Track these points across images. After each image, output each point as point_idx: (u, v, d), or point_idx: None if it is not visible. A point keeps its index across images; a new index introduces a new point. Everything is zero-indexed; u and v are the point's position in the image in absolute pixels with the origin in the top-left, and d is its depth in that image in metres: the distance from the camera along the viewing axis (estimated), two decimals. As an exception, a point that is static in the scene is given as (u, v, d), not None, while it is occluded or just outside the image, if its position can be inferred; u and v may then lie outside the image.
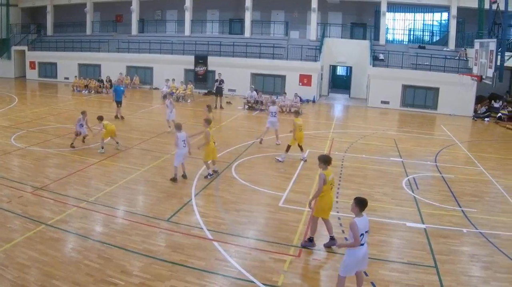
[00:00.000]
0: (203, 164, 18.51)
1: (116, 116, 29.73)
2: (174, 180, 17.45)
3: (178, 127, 17.78)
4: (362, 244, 9.65)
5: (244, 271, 11.15)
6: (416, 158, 23.35)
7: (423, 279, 11.22)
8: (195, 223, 14.01)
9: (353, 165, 21.57)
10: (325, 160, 12.45)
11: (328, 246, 12.68)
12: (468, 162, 23.54)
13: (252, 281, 10.75)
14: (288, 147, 21.54)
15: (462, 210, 16.25)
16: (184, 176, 17.77)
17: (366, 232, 9.75)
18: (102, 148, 21.59)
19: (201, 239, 12.96)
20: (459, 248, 13.24)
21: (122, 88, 31.51)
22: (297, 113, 22.52)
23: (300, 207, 15.70)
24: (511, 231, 14.56)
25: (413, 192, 17.97)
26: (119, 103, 30.16)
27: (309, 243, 12.77)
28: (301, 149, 21.77)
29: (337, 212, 15.23)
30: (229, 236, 13.25)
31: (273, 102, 25.63)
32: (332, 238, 12.73)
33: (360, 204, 9.83)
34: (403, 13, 51.93)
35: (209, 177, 18.16)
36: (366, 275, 11.10)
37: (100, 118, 22.27)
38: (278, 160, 21.39)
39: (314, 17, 47.78)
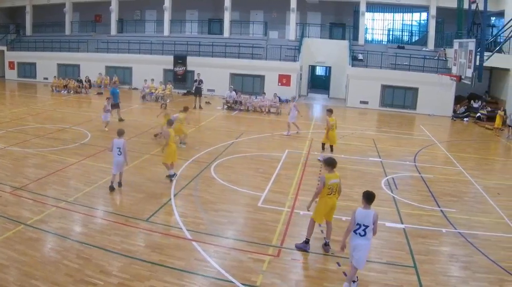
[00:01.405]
0: (163, 165, 18.23)
1: (120, 119, 29.59)
2: (111, 188, 16.60)
3: (119, 133, 16.80)
4: (357, 234, 10.18)
5: (223, 271, 11.19)
6: (395, 158, 23.46)
7: (402, 279, 11.27)
8: (174, 223, 14.07)
9: (332, 165, 21.53)
10: (328, 163, 12.51)
11: (325, 251, 12.70)
12: (447, 162, 23.72)
13: (231, 281, 10.78)
14: (323, 145, 22.59)
15: (441, 210, 16.37)
16: (119, 184, 16.96)
17: (364, 225, 10.10)
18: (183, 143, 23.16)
19: (180, 239, 13.00)
20: (438, 248, 13.32)
21: (118, 90, 31.26)
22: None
23: (279, 207, 15.75)
24: (490, 231, 14.69)
25: (392, 192, 18.05)
26: (116, 105, 29.94)
27: (303, 245, 12.71)
28: (331, 150, 22.33)
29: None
30: (208, 236, 13.27)
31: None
32: (326, 244, 12.77)
33: (365, 197, 10.42)
34: (382, 13, 52.31)
35: (172, 178, 17.91)
36: (345, 274, 11.15)
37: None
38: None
39: (293, 17, 48.08)
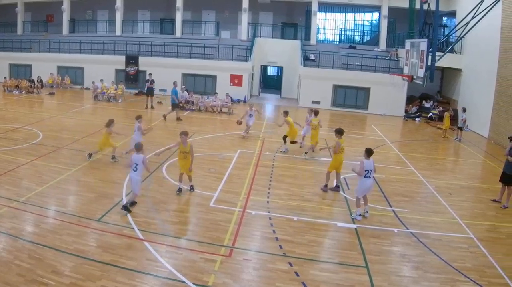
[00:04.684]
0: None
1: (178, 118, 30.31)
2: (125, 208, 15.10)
3: (138, 148, 15.14)
4: (369, 177, 15.31)
5: (174, 271, 11.25)
6: (347, 158, 23.40)
7: (354, 279, 11.33)
8: (126, 223, 14.02)
9: (284, 165, 21.71)
10: (340, 131, 18.36)
11: (332, 190, 18.19)
12: (399, 162, 24.04)
13: (183, 281, 10.82)
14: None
15: (393, 210, 16.56)
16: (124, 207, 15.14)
17: (371, 170, 15.24)
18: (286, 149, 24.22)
19: (132, 239, 12.98)
20: (389, 248, 13.47)
21: (177, 90, 33.10)
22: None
23: (231, 207, 15.78)
24: (441, 231, 14.94)
25: (344, 192, 18.16)
26: (176, 105, 31.41)
27: (325, 187, 18.25)
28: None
29: (268, 212, 15.23)
30: (160, 236, 13.29)
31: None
32: (337, 186, 18.36)
33: (367, 152, 15.45)
34: (334, 13, 52.96)
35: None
36: (297, 274, 11.07)
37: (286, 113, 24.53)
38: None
39: (245, 17, 48.22)
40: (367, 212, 15.63)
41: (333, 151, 18.55)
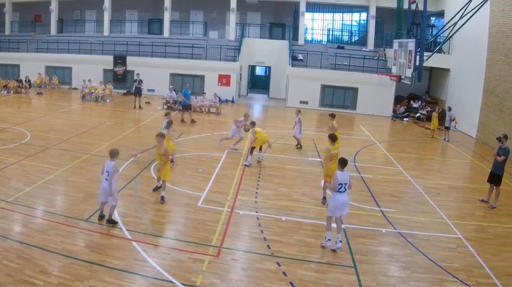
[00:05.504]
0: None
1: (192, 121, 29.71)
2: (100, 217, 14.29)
3: (112, 154, 13.89)
4: (341, 192, 13.14)
5: (163, 271, 11.25)
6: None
7: (342, 279, 11.34)
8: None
9: (272, 164, 21.69)
10: (332, 138, 16.56)
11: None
12: (387, 162, 24.11)
13: (171, 281, 10.82)
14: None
15: (381, 210, 16.59)
16: (107, 219, 14.20)
17: (345, 184, 13.12)
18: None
19: (120, 239, 12.98)
20: (377, 248, 13.50)
21: (189, 91, 32.99)
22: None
23: (219, 207, 15.79)
24: (429, 231, 14.99)
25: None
26: (188, 107, 31.51)
27: (323, 200, 16.81)
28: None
29: (256, 212, 15.23)
30: (148, 236, 13.27)
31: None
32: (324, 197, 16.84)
33: (341, 163, 13.44)
34: (322, 13, 53.07)
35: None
36: (285, 274, 11.09)
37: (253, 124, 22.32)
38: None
39: (233, 17, 48.33)
40: (340, 241, 13.09)
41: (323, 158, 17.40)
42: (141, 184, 17.80)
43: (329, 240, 13.20)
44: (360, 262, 12.34)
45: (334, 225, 13.36)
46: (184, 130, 27.36)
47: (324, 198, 16.91)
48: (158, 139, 15.73)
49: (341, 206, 13.17)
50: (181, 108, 33.42)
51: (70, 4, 53.43)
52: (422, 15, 25.59)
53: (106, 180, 13.57)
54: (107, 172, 13.54)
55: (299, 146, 25.51)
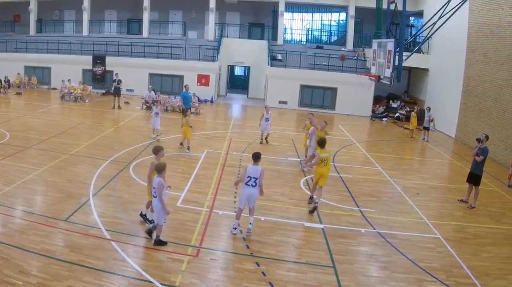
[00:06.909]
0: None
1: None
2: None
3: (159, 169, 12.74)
4: (248, 185, 13.46)
5: (142, 271, 11.21)
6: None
7: (321, 279, 11.35)
8: (93, 223, 13.93)
9: (251, 165, 21.56)
10: (321, 143, 16.26)
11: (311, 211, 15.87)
12: (366, 162, 24.21)
13: (150, 281, 10.80)
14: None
15: (360, 210, 16.63)
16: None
17: (255, 178, 13.40)
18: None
19: (99, 239, 12.91)
20: (357, 248, 13.53)
21: (189, 94, 33.10)
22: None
23: (198, 207, 15.78)
24: (409, 231, 15.07)
25: (311, 192, 18.12)
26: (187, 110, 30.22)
27: (310, 200, 16.83)
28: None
29: (235, 212, 15.19)
30: (127, 236, 13.21)
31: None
32: (314, 202, 16.13)
33: (253, 156, 13.77)
34: (301, 13, 53.16)
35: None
36: (264, 274, 11.07)
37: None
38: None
39: (212, 17, 48.26)
40: (250, 223, 13.62)
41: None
42: (120, 184, 17.70)
43: (235, 228, 13.82)
44: (339, 262, 12.35)
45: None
46: (162, 130, 27.14)
47: (315, 204, 16.13)
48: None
49: (245, 199, 13.68)
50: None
51: (49, 4, 53.01)
52: (401, 15, 25.70)
53: (154, 197, 12.48)
54: (153, 188, 12.48)
55: (264, 142, 25.87)
